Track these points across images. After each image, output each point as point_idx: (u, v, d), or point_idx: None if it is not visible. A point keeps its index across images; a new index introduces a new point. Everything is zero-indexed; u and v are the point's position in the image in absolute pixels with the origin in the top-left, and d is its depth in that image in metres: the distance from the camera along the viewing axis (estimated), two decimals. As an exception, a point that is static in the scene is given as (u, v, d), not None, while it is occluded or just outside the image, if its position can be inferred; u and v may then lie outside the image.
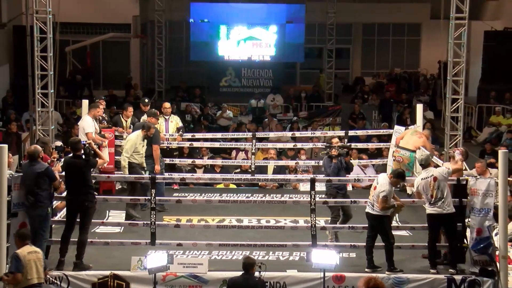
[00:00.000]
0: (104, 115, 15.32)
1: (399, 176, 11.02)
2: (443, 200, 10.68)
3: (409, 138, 14.02)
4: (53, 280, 10.42)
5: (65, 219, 11.00)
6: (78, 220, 10.77)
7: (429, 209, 10.81)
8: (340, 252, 10.90)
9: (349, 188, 14.41)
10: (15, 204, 10.58)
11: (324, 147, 13.30)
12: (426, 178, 10.83)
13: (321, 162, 16.37)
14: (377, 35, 31.61)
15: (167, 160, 15.01)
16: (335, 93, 26.83)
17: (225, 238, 11.45)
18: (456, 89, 15.77)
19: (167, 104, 15.75)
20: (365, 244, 11.07)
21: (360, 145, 16.53)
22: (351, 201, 11.80)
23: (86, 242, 10.77)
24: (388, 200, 10.79)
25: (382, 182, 10.83)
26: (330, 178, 11.80)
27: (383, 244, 10.82)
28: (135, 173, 12.91)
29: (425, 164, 10.96)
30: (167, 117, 15.32)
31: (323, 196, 11.96)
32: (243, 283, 9.37)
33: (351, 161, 12.91)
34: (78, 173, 10.71)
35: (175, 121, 15.45)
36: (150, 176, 11.82)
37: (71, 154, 11.07)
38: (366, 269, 10.72)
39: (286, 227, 11.98)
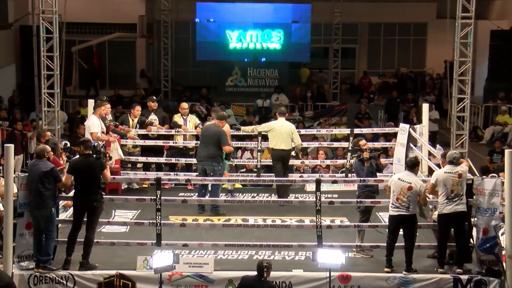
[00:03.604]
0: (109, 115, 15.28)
1: (415, 165, 10.90)
2: (461, 197, 10.58)
3: None
4: (59, 279, 10.44)
5: (71, 219, 11.01)
6: (85, 219, 10.78)
7: (443, 209, 10.63)
8: (346, 252, 10.87)
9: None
10: (21, 204, 10.57)
11: (352, 150, 13.04)
12: (449, 172, 10.66)
13: (327, 162, 16.52)
14: (383, 35, 31.61)
15: (182, 160, 15.03)
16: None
17: (231, 238, 11.46)
18: (462, 88, 15.75)
19: (185, 105, 15.63)
20: (371, 244, 11.10)
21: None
22: (371, 201, 11.44)
23: (93, 242, 10.77)
24: None
25: (415, 179, 10.67)
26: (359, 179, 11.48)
27: (404, 244, 10.69)
28: None
29: (456, 163, 10.75)
30: (185, 117, 15.23)
31: (326, 196, 11.83)
32: (253, 283, 9.54)
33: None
34: (87, 172, 10.64)
35: (193, 121, 15.35)
36: (155, 177, 11.80)
37: (78, 155, 11.06)
38: (386, 269, 10.62)
39: (291, 226, 11.96)
